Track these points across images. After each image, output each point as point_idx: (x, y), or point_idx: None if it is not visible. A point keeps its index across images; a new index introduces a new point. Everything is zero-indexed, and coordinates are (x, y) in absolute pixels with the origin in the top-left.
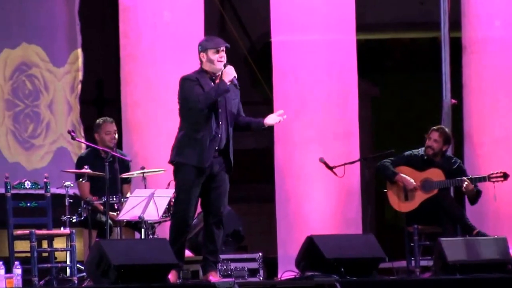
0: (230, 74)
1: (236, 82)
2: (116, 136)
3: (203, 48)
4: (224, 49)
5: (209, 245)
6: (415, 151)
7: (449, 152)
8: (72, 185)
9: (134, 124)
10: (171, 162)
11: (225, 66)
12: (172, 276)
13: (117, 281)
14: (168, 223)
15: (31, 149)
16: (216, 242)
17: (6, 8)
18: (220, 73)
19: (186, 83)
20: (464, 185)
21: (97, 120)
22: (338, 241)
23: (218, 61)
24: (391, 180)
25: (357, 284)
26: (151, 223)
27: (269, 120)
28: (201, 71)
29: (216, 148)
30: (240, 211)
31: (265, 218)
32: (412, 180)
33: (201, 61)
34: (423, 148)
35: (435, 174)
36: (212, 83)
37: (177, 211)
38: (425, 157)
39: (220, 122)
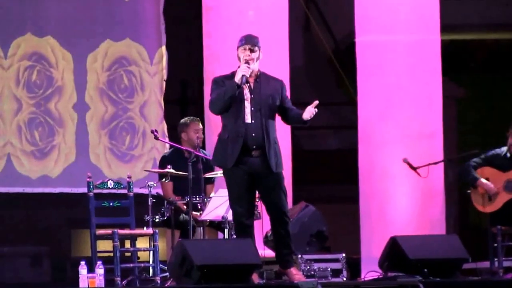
0: (238, 72)
1: (243, 80)
2: (202, 135)
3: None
4: (252, 48)
5: (277, 242)
6: (498, 150)
7: None
8: (155, 184)
9: (215, 124)
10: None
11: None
12: (253, 276)
13: (200, 281)
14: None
15: (132, 161)
16: (281, 237)
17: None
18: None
19: (211, 85)
20: None
21: (183, 120)
22: (421, 241)
23: (243, 59)
24: (473, 186)
25: (440, 285)
26: None
27: (306, 114)
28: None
29: (254, 147)
30: (323, 211)
31: (349, 219)
32: (492, 186)
33: None
34: (506, 147)
35: None
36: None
37: (232, 212)
38: (508, 155)
39: (253, 120)
